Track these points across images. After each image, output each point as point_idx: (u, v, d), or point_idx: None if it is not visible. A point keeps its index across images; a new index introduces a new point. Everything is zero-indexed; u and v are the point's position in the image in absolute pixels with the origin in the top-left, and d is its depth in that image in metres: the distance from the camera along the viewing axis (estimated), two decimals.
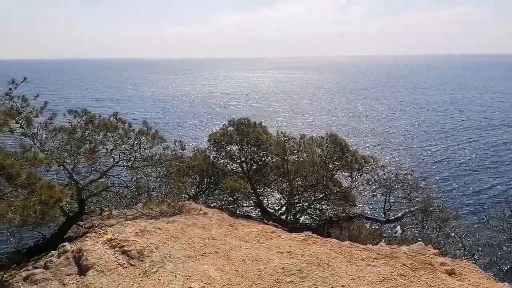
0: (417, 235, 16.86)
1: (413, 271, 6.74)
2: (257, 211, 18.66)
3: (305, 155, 16.83)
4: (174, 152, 12.68)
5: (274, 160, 17.42)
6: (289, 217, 17.22)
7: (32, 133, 9.89)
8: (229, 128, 17.79)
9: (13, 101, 10.21)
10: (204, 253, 7.15)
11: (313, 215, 18.54)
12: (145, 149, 11.68)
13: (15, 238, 9.22)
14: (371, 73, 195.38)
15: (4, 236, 9.42)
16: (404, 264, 6.95)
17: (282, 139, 16.92)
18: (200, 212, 11.49)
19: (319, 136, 17.44)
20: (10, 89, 10.29)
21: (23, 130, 9.80)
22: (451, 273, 6.85)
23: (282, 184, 18.01)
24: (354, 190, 18.41)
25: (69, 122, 10.76)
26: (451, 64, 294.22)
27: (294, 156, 16.99)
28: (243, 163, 17.50)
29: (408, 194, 17.66)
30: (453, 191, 28.15)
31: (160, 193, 12.37)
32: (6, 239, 9.55)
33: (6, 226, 8.01)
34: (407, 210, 17.38)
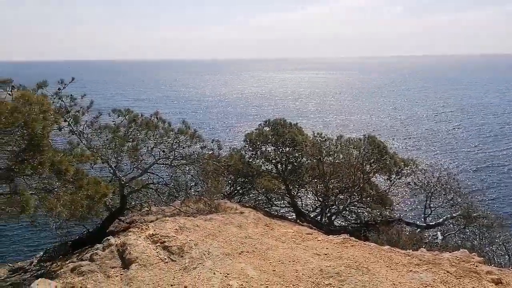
0: (458, 242, 16.14)
1: (457, 279, 6.47)
2: (291, 212, 18.60)
3: (342, 156, 16.57)
4: (211, 151, 12.90)
5: (309, 161, 17.28)
6: (323, 219, 17.02)
7: (79, 131, 10.39)
8: (264, 128, 17.84)
9: (62, 100, 10.78)
10: (241, 251, 7.21)
11: (348, 218, 18.22)
12: (183, 148, 11.95)
13: (62, 231, 9.72)
14: (411, 73, 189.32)
15: (52, 229, 9.93)
16: (447, 272, 6.68)
17: (318, 140, 16.75)
18: (236, 211, 11.61)
19: (356, 138, 17.12)
20: (59, 88, 10.87)
21: (71, 128, 10.31)
22: (497, 282, 6.51)
23: (317, 186, 17.83)
24: (392, 194, 17.91)
25: (113, 121, 11.20)
26: (495, 64, 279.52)
27: (330, 158, 16.77)
28: (278, 164, 17.48)
29: (450, 199, 16.93)
30: (499, 198, 26.72)
31: (197, 191, 12.65)
32: (54, 231, 10.07)
33: (54, 219, 8.44)
34: (448, 216, 16.68)
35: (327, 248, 7.69)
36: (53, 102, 10.14)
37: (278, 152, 17.36)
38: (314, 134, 17.27)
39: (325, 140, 16.84)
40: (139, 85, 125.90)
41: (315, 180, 17.62)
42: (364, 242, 8.04)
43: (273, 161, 17.53)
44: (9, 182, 7.38)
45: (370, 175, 17.00)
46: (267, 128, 17.80)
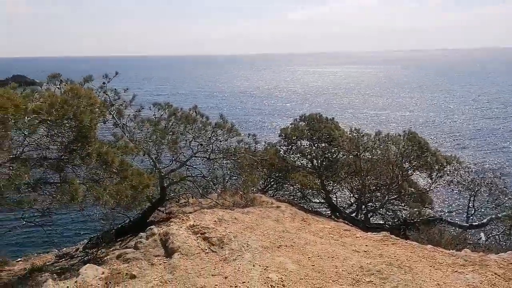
0: (503, 243, 15.36)
1: (506, 281, 6.18)
2: (325, 208, 18.40)
3: (380, 152, 16.17)
4: (247, 145, 12.98)
5: (345, 157, 17.00)
6: (359, 216, 16.73)
7: (123, 124, 10.75)
8: (300, 123, 17.72)
9: (106, 94, 11.19)
10: (279, 245, 7.23)
11: (385, 215, 17.79)
12: (221, 141, 12.10)
13: (107, 219, 10.15)
14: (454, 68, 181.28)
15: (97, 217, 10.39)
16: (495, 274, 6.39)
17: (355, 136, 16.42)
18: (272, 205, 11.63)
19: (396, 134, 16.63)
20: (104, 83, 11.29)
21: (115, 121, 10.70)
22: None
23: (353, 182, 17.53)
24: (432, 192, 17.30)
25: (154, 115, 11.50)
26: None
27: (367, 154, 16.42)
28: (314, 159, 17.32)
29: (496, 199, 16.13)
30: None
31: (233, 184, 12.78)
32: (99, 220, 10.52)
33: (100, 208, 8.82)
34: (493, 216, 15.90)
35: (366, 245, 7.57)
36: (98, 96, 10.55)
37: (314, 147, 17.19)
38: (351, 129, 16.96)
39: (363, 135, 16.49)
40: (177, 80, 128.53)
41: (351, 176, 17.32)
42: (406, 241, 7.84)
43: (308, 156, 17.38)
44: (59, 172, 7.78)
45: (409, 172, 16.49)
46: (302, 123, 17.66)
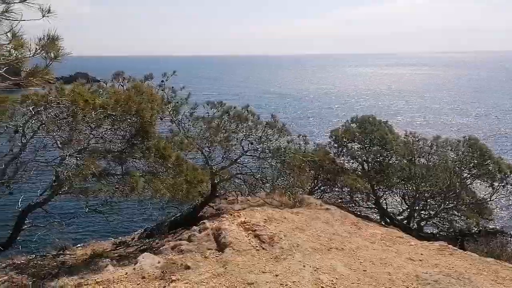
0: None
1: None
2: (375, 214, 17.87)
3: (436, 158, 15.42)
4: (297, 146, 12.95)
5: (399, 161, 16.40)
6: (412, 224, 16.07)
7: (178, 120, 11.18)
8: (351, 125, 17.37)
9: (164, 92, 11.69)
10: (330, 248, 7.16)
11: (439, 225, 16.94)
12: (271, 141, 12.18)
13: (162, 211, 10.61)
14: None
15: (152, 209, 10.88)
16: None
17: (411, 140, 15.80)
18: (321, 207, 11.51)
19: (455, 139, 15.78)
20: (162, 81, 11.81)
21: (172, 118, 11.15)
22: None
23: (406, 188, 16.88)
24: (493, 203, 16.21)
25: (207, 113, 11.83)
26: None
27: (422, 159, 15.72)
28: (364, 162, 16.91)
29: None
30: None
31: (282, 184, 12.80)
32: (154, 211, 11.01)
33: (157, 200, 9.23)
34: None
35: (421, 254, 7.28)
36: (157, 93, 11.05)
37: (365, 150, 16.77)
38: (406, 133, 16.34)
39: (418, 140, 15.82)
40: (229, 80, 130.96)
41: (404, 182, 16.69)
42: (465, 252, 7.43)
43: (359, 159, 17.00)
44: (121, 164, 8.27)
45: (468, 180, 15.58)
46: (354, 125, 17.30)
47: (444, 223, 16.69)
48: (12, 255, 9.12)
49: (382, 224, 14.55)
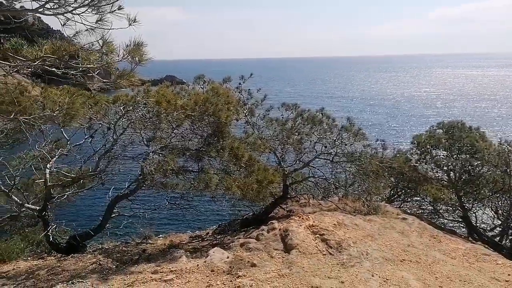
0: None
1: None
2: (461, 228, 16.35)
3: None
4: (374, 151, 12.43)
5: (491, 172, 14.80)
6: (504, 242, 14.39)
7: (253, 122, 11.46)
8: (437, 131, 16.12)
9: (241, 94, 12.08)
10: (403, 259, 6.77)
11: None
12: (346, 145, 11.86)
13: (234, 209, 10.98)
14: None
15: (226, 207, 11.31)
16: None
17: (506, 149, 14.16)
18: (398, 216, 10.91)
19: None
20: (239, 83, 12.22)
21: (247, 119, 11.47)
22: None
23: (499, 202, 15.15)
24: None
25: (282, 115, 11.94)
26: None
27: None
28: (451, 171, 15.55)
29: None
30: None
31: (356, 190, 12.39)
32: (227, 209, 11.44)
33: (229, 198, 9.59)
34: None
35: (509, 275, 6.52)
36: (234, 95, 11.47)
37: (452, 159, 15.42)
38: (501, 141, 14.69)
39: None
40: (308, 82, 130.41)
41: (497, 195, 15.00)
42: None
43: (444, 168, 15.69)
44: (198, 161, 8.77)
45: None
46: (440, 131, 16.03)
47: None
48: (101, 241, 10.20)
49: (469, 240, 13.25)
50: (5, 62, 3.93)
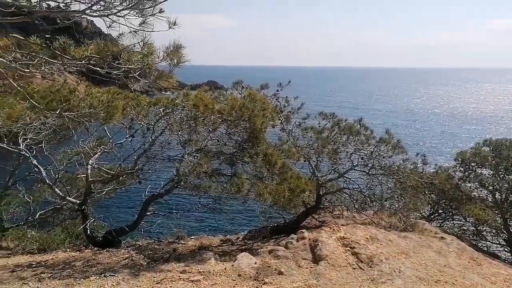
0: None
1: None
2: (505, 252, 15.34)
3: None
4: (414, 165, 11.98)
5: None
6: None
7: (289, 129, 11.42)
8: (483, 149, 15.31)
9: (278, 101, 12.09)
10: (437, 280, 6.44)
11: None
12: (383, 157, 11.52)
13: (264, 216, 10.96)
14: None
15: (256, 213, 11.33)
16: None
17: None
18: (436, 235, 10.41)
19: None
20: (277, 90, 12.24)
21: (282, 126, 11.45)
22: None
23: None
24: None
25: (318, 123, 11.81)
26: None
27: None
28: (496, 192, 14.69)
29: None
30: None
31: (393, 205, 11.97)
32: (258, 215, 11.44)
33: (260, 204, 9.59)
34: None
35: None
36: (271, 102, 11.50)
37: (498, 178, 14.57)
38: None
39: None
40: (349, 92, 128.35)
41: None
42: None
43: (489, 187, 14.85)
44: (231, 166, 8.85)
45: None
46: (486, 149, 15.22)
47: None
48: (135, 237, 10.51)
49: None
50: (54, 61, 4.18)
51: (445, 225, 16.02)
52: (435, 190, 15.30)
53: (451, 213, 16.30)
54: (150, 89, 62.13)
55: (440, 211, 16.58)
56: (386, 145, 11.45)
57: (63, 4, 4.03)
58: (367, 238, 7.62)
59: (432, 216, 16.20)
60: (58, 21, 3.85)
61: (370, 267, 6.30)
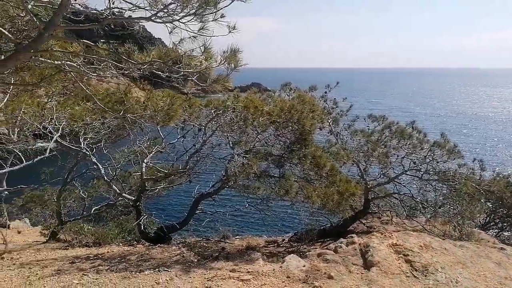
0: None
1: None
2: None
3: None
4: (471, 171, 11.36)
5: None
6: None
7: (337, 132, 11.27)
8: None
9: (326, 103, 11.97)
10: None
11: None
12: (438, 162, 11.03)
13: (312, 218, 10.89)
14: None
15: (304, 215, 11.25)
16: None
17: None
18: (494, 245, 9.79)
19: None
20: (325, 92, 12.13)
21: (330, 128, 11.32)
22: None
23: None
24: None
25: (368, 126, 11.54)
26: None
27: None
28: None
29: None
30: None
31: (447, 212, 11.42)
32: (306, 217, 11.38)
33: (308, 207, 9.53)
34: None
35: None
36: (319, 104, 11.41)
37: None
38: None
39: None
40: (400, 94, 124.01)
41: None
42: None
43: None
44: (279, 167, 8.88)
45: None
46: None
47: None
48: (185, 235, 10.84)
49: None
50: (120, 65, 4.44)
51: (502, 235, 15.04)
52: (493, 198, 14.41)
53: (509, 223, 15.29)
54: (198, 91, 63.77)
55: (497, 220, 15.60)
56: (441, 149, 10.96)
57: (129, 11, 4.26)
58: (421, 246, 7.33)
59: (487, 225, 15.28)
60: (119, 28, 4.12)
61: (425, 276, 6.06)
